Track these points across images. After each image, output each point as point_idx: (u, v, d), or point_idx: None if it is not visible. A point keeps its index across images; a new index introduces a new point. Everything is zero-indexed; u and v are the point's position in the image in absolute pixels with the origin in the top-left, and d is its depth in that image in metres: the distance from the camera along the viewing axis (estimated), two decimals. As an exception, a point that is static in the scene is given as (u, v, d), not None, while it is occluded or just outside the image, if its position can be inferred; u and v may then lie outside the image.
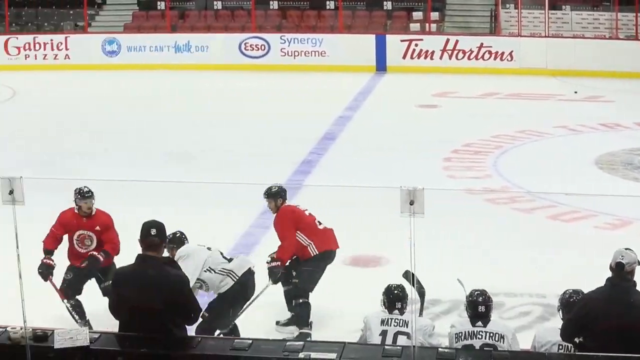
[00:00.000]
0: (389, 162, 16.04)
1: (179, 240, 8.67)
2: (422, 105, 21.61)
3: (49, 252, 9.30)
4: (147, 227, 6.80)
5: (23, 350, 6.47)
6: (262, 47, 27.23)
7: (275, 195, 9.53)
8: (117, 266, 8.05)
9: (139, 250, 6.81)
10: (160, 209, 10.16)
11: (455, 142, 17.47)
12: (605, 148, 17.04)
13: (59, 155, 16.89)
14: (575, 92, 22.90)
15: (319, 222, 9.49)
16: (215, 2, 29.98)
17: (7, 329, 6.69)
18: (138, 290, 6.70)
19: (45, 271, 9.18)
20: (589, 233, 12.36)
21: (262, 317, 9.38)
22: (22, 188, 6.63)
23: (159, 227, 6.83)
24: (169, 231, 7.25)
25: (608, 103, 22.05)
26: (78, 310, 9.24)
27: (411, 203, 6.42)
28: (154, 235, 6.77)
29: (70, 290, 9.33)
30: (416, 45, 26.43)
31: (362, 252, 11.36)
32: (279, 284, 9.36)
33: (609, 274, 6.63)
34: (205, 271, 8.52)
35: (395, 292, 7.58)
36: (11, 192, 6.65)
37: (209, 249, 8.71)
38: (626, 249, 6.73)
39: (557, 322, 7.12)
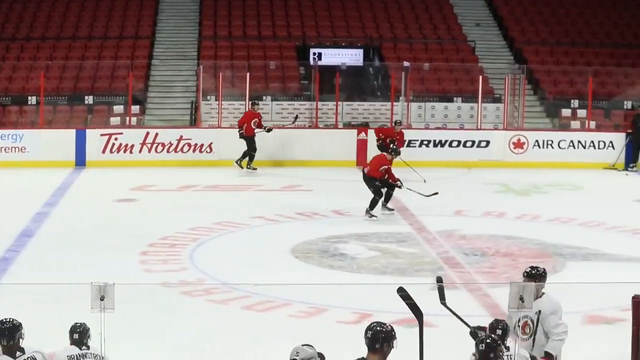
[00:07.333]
0: (87, 257, 15.89)
1: None
2: (120, 199, 21.52)
3: None
4: None
5: None
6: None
7: None
8: None
9: None
10: None
11: (152, 235, 17.52)
12: (301, 237, 17.59)
13: None
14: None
15: None
16: None
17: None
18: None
19: None
20: (284, 322, 12.64)
21: None
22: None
23: None
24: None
25: (306, 192, 22.81)
26: None
27: (102, 299, 6.72)
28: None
29: None
30: (116, 139, 26.27)
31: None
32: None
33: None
34: None
35: None
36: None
37: None
38: (304, 345, 6.72)
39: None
